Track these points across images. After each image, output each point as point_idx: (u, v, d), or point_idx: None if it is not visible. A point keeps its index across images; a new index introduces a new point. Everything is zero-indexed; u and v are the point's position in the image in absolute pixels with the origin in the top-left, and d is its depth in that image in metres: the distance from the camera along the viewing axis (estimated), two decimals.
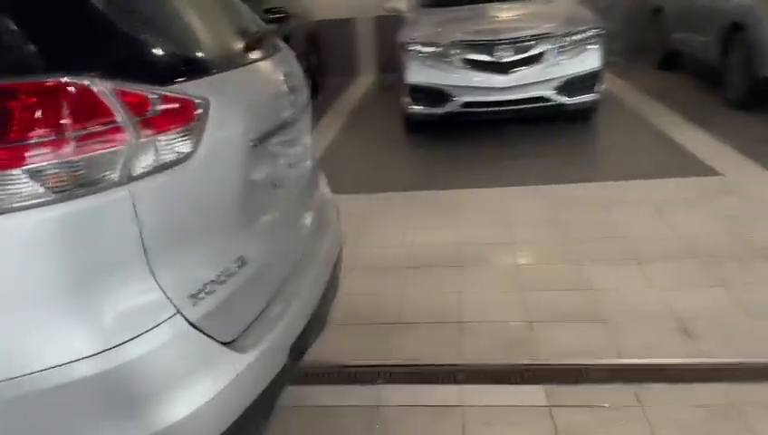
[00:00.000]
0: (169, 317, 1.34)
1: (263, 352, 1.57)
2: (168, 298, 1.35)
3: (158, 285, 1.34)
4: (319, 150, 5.83)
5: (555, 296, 3.07)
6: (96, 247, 1.25)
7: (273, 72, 1.97)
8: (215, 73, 1.61)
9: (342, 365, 2.62)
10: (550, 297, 3.07)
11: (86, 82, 1.23)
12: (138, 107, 1.30)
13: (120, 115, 1.26)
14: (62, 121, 1.19)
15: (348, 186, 4.68)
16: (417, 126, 6.15)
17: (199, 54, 1.68)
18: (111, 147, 1.25)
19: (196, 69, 1.55)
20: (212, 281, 1.46)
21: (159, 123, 1.35)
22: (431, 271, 3.46)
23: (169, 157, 1.37)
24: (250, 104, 1.70)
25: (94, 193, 1.23)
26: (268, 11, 7.02)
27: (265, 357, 1.58)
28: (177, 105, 1.40)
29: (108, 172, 1.24)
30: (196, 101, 1.45)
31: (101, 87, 1.25)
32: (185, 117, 1.41)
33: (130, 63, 1.38)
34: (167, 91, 1.39)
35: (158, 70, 1.44)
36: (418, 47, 5.80)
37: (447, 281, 3.33)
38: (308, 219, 2.12)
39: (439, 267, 3.49)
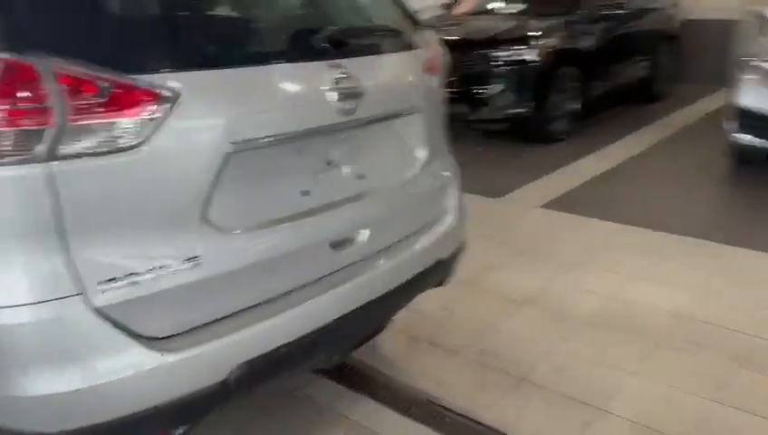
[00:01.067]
0: (69, 296, 1.37)
1: (190, 359, 1.51)
2: (75, 277, 1.38)
3: (68, 262, 1.37)
4: (607, 166, 5.21)
5: None
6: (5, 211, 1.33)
7: (319, 73, 1.77)
8: (211, 68, 1.55)
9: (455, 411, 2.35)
10: None
11: (20, 60, 1.30)
12: (74, 91, 1.34)
13: (52, 96, 1.32)
14: None
15: (626, 214, 4.14)
16: (742, 158, 4.96)
17: (195, 47, 1.61)
18: (34, 125, 1.32)
19: (183, 61, 1.52)
20: (138, 273, 1.45)
21: (103, 109, 1.37)
22: (622, 335, 2.81)
23: (111, 143, 1.38)
24: (246, 105, 1.60)
25: (10, 165, 1.32)
26: None
27: (192, 365, 1.52)
28: (130, 94, 1.39)
29: (27, 148, 1.32)
30: (161, 92, 1.42)
31: (39, 66, 1.31)
32: (139, 107, 1.40)
33: (98, 47, 1.40)
34: (127, 78, 1.39)
35: (134, 57, 1.45)
36: (763, 64, 4.61)
37: (626, 355, 2.67)
38: (383, 229, 2.01)
39: (639, 336, 2.80)
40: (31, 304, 1.35)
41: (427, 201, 2.26)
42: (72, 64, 1.34)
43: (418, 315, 2.83)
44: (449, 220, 2.31)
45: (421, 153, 2.19)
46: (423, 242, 2.17)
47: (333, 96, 1.77)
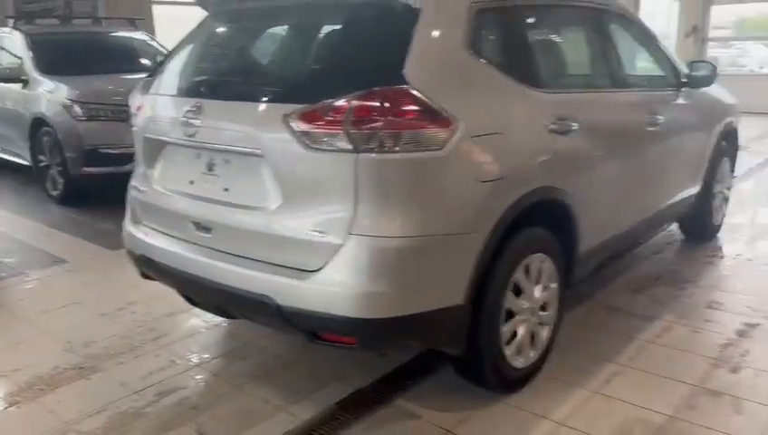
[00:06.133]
0: None
1: None
2: None
3: None
4: None
5: None
6: None
7: (180, 105, 2.56)
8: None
9: None
10: None
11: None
12: None
13: None
14: None
15: None
16: None
17: None
18: None
19: None
20: None
21: None
22: None
23: None
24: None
25: None
26: None
27: None
28: None
29: None
30: None
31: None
32: None
33: None
34: None
35: None
36: None
37: None
38: None
39: None
40: None
41: (266, 241, 2.32)
42: None
43: None
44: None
45: (272, 195, 2.28)
46: (255, 272, 2.30)
47: (183, 121, 2.49)
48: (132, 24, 7.78)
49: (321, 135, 2.10)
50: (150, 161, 2.80)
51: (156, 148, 2.76)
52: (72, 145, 5.81)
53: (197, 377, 2.88)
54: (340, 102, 2.07)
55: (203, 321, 3.39)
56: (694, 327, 3.29)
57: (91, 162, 5.75)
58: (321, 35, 2.54)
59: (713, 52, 15.60)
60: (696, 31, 13.47)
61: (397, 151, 2.10)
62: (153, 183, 2.77)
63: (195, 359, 3.04)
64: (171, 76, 2.81)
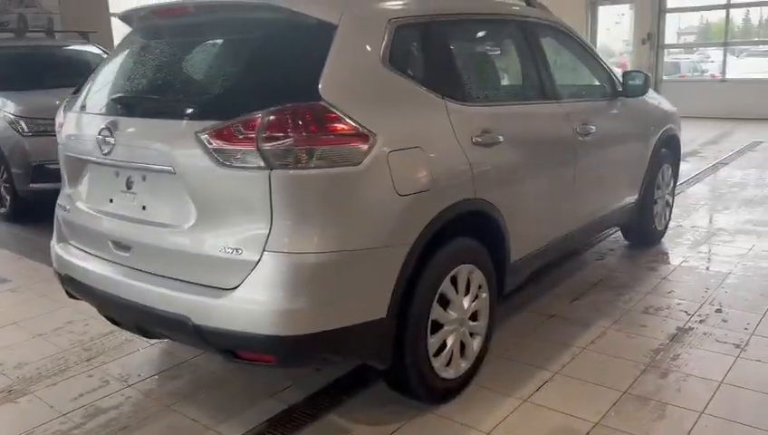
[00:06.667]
0: None
1: None
2: None
3: None
4: None
5: None
6: None
7: (97, 123, 2.59)
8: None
9: None
10: None
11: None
12: None
13: None
14: None
15: None
16: None
17: None
18: None
19: None
20: None
21: None
22: None
23: None
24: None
25: None
26: None
27: None
28: None
29: None
30: None
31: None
32: None
33: None
34: None
35: None
36: None
37: None
38: None
39: None
40: None
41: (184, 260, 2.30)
42: None
43: None
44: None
45: (187, 213, 2.27)
46: (172, 291, 2.28)
47: (99, 139, 2.49)
48: (85, 36, 7.69)
49: (234, 152, 2.10)
50: (73, 180, 2.78)
51: (78, 166, 2.74)
52: (19, 161, 5.72)
53: (129, 397, 2.84)
54: (252, 118, 2.07)
55: (139, 340, 3.35)
56: (628, 333, 3.35)
57: (38, 178, 5.66)
58: (238, 51, 2.54)
59: (679, 58, 15.98)
60: (651, 38, 13.76)
61: (312, 167, 2.10)
62: (76, 202, 2.75)
63: (128, 379, 3.00)
64: (92, 93, 2.79)
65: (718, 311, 3.57)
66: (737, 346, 3.15)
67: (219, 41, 2.66)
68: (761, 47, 16.80)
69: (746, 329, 3.33)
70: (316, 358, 2.30)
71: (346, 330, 2.21)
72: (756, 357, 3.03)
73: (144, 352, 3.29)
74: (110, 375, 3.04)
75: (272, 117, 2.07)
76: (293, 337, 2.11)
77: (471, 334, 2.79)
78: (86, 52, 7.45)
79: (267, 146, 2.06)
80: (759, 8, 15.71)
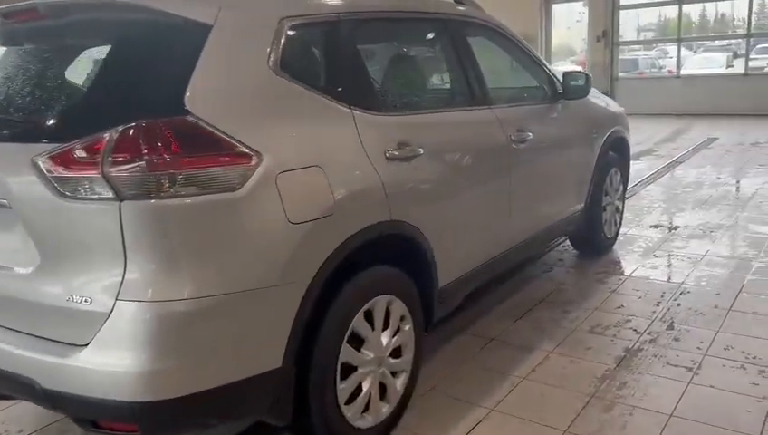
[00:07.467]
0: None
1: None
2: None
3: None
4: None
5: None
6: None
7: None
8: None
9: None
10: None
11: None
12: None
13: None
14: None
15: None
16: None
17: None
18: None
19: None
20: None
21: None
22: None
23: None
24: None
25: None
26: None
27: None
28: None
29: None
30: None
31: None
32: None
33: None
34: None
35: None
36: None
37: None
38: None
39: None
40: None
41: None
42: None
43: None
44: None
45: (28, 255, 1.89)
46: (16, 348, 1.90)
47: None
48: None
49: (77, 180, 1.73)
50: None
51: None
52: None
53: None
54: (97, 139, 1.71)
55: None
56: (572, 357, 3.06)
57: None
58: (93, 61, 2.16)
59: (638, 55, 15.98)
60: (605, 36, 13.69)
61: (175, 196, 1.74)
62: None
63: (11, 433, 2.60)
64: None
65: (670, 328, 3.32)
66: (689, 369, 2.88)
67: (73, 48, 2.26)
68: (717, 42, 16.93)
69: (699, 348, 3.08)
70: (193, 423, 1.94)
71: (230, 387, 1.86)
72: (709, 382, 2.77)
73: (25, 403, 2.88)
74: None
75: (120, 135, 1.70)
76: (161, 402, 1.75)
77: (393, 373, 2.46)
78: None
79: (115, 172, 1.69)
80: (714, 3, 15.81)
